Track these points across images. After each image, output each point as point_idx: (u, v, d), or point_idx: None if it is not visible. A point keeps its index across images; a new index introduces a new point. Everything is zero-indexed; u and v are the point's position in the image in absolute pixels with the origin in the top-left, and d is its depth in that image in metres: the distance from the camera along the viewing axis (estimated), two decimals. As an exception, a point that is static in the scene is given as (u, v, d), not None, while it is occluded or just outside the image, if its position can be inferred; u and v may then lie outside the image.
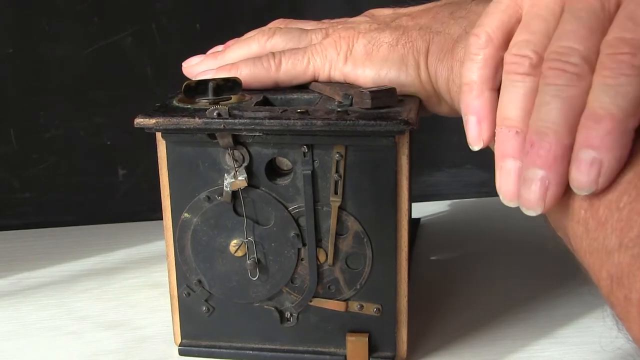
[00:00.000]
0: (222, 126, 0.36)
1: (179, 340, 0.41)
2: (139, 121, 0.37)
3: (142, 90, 0.59)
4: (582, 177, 0.25)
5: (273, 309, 0.40)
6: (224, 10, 0.60)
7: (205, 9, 0.59)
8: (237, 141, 0.37)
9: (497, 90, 0.30)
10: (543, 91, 0.26)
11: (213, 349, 0.41)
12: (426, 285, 0.49)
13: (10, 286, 0.51)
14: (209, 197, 0.39)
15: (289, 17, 0.47)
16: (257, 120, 0.36)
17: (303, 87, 0.43)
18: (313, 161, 0.37)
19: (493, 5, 0.30)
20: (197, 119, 0.37)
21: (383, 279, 0.38)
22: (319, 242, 0.38)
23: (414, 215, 0.56)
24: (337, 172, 0.37)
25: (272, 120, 0.36)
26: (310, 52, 0.42)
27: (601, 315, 0.43)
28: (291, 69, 0.42)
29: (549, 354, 0.41)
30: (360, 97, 0.37)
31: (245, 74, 0.42)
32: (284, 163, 0.39)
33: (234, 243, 0.39)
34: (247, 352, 0.40)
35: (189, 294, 0.40)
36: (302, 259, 0.39)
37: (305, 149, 0.37)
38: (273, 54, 0.42)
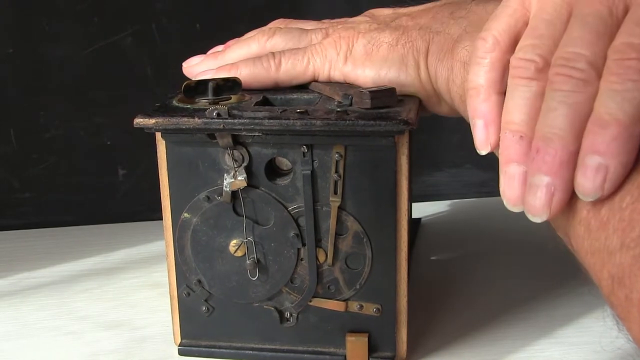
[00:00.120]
0: (221, 126, 0.36)
1: (178, 340, 0.41)
2: (139, 121, 0.37)
3: (142, 90, 0.59)
4: (588, 183, 0.25)
5: (273, 309, 0.40)
6: (224, 10, 0.60)
7: (205, 9, 0.59)
8: (237, 141, 0.37)
9: (504, 94, 0.30)
10: (549, 97, 0.26)
11: (213, 349, 0.41)
12: (426, 285, 0.49)
13: (10, 286, 0.51)
14: (208, 197, 0.39)
15: (289, 17, 0.47)
16: (257, 120, 0.36)
17: (303, 87, 0.43)
18: (312, 161, 0.37)
19: (500, 9, 0.30)
20: (196, 119, 0.36)
21: (383, 279, 0.38)
22: (318, 242, 0.38)
23: (414, 215, 0.56)
24: (336, 172, 0.37)
25: (271, 120, 0.36)
26: (310, 52, 0.42)
27: (601, 315, 0.43)
28: (291, 69, 0.42)
29: (549, 354, 0.41)
30: (360, 97, 0.37)
31: (245, 74, 0.42)
32: (284, 163, 0.39)
33: (233, 243, 0.39)
34: (247, 352, 0.40)
35: (188, 294, 0.40)
36: (301, 259, 0.39)
37: (304, 149, 0.37)
38: (273, 54, 0.42)
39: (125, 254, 0.55)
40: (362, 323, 0.39)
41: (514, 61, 0.29)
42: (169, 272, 0.40)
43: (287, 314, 0.40)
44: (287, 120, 0.36)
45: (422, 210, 0.61)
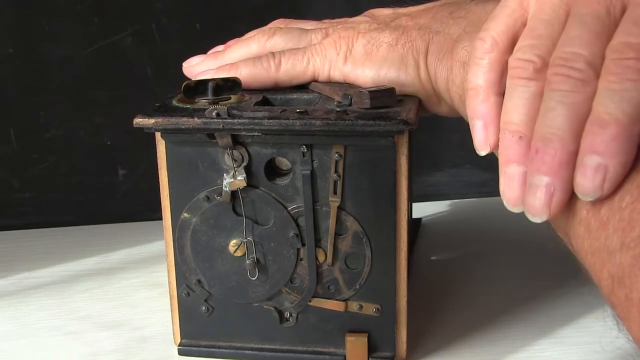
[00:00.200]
0: (221, 126, 0.36)
1: (178, 340, 0.41)
2: (138, 121, 0.37)
3: (142, 90, 0.59)
4: (587, 182, 0.25)
5: (272, 309, 0.40)
6: (224, 10, 0.60)
7: (205, 9, 0.59)
8: (236, 141, 0.37)
9: (503, 94, 0.30)
10: (548, 97, 0.26)
11: (212, 349, 0.41)
12: (426, 285, 0.49)
13: (10, 286, 0.51)
14: (208, 197, 0.38)
15: (289, 17, 0.47)
16: (256, 120, 0.36)
17: (303, 87, 0.43)
18: (312, 161, 0.37)
19: (499, 9, 0.30)
20: (196, 119, 0.36)
21: (382, 279, 0.38)
22: (318, 242, 0.38)
23: (414, 215, 0.56)
24: (336, 172, 0.37)
25: (271, 120, 0.36)
26: (310, 52, 0.42)
27: (601, 315, 0.43)
28: (291, 69, 0.42)
29: (549, 354, 0.41)
30: (360, 97, 0.37)
31: (244, 74, 0.42)
32: (283, 163, 0.39)
33: (233, 243, 0.39)
34: (247, 352, 0.40)
35: (188, 293, 0.40)
36: (301, 259, 0.39)
37: (304, 148, 0.37)
38: (273, 54, 0.42)
39: (125, 254, 0.55)
40: (361, 323, 0.39)
41: (512, 62, 0.29)
42: (168, 272, 0.40)
43: (287, 314, 0.40)
44: (287, 120, 0.36)
45: (422, 210, 0.61)
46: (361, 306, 0.39)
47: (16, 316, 0.47)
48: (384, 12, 0.45)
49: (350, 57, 0.41)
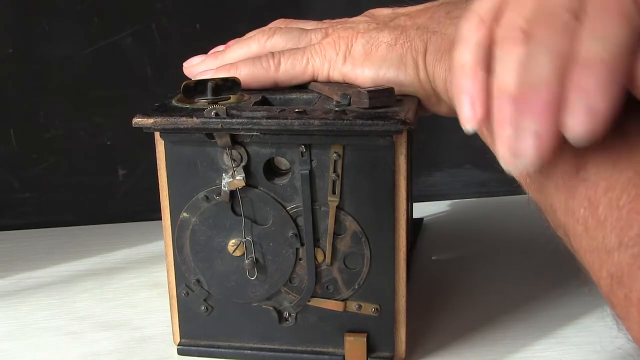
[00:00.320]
0: (219, 126, 0.36)
1: (177, 340, 0.41)
2: (138, 121, 0.37)
3: (142, 90, 0.59)
4: (578, 124, 0.25)
5: (271, 308, 0.40)
6: (224, 10, 0.60)
7: (205, 9, 0.59)
8: (235, 141, 0.37)
9: (489, 71, 0.30)
10: (533, 50, 0.27)
11: (212, 349, 0.41)
12: (426, 285, 0.49)
13: (10, 286, 0.51)
14: (207, 197, 0.38)
15: (289, 17, 0.47)
16: (255, 120, 0.36)
17: (302, 87, 0.43)
18: (311, 161, 0.37)
19: None
20: (195, 119, 0.36)
21: (381, 279, 0.38)
22: (317, 242, 0.38)
23: (415, 216, 0.56)
24: (334, 171, 0.37)
25: (269, 120, 0.36)
26: (309, 52, 0.42)
27: (601, 315, 0.43)
28: (290, 69, 0.42)
29: (549, 354, 0.41)
30: (358, 96, 0.37)
31: (244, 73, 0.42)
32: (282, 163, 0.39)
33: (232, 243, 0.39)
34: (246, 351, 0.40)
35: (187, 293, 0.40)
36: (300, 259, 0.39)
37: (303, 148, 0.37)
38: (272, 54, 0.42)
39: (125, 254, 0.55)
40: (360, 323, 0.39)
41: (500, 32, 0.29)
42: (168, 271, 0.40)
43: (286, 314, 0.40)
44: (285, 120, 0.36)
45: (422, 210, 0.61)
46: (360, 306, 0.39)
47: (16, 316, 0.47)
48: (383, 12, 0.45)
49: (349, 57, 0.41)
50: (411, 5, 0.44)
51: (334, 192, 0.37)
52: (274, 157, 0.38)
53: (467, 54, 0.30)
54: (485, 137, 0.34)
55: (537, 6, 0.28)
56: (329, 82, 0.42)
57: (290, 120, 0.36)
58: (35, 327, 0.45)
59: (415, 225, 0.57)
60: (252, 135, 0.37)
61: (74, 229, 0.60)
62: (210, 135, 0.37)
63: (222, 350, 0.41)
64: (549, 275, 0.49)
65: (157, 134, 0.38)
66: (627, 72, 0.25)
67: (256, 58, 0.42)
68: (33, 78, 0.59)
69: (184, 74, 0.44)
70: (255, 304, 0.40)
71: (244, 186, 0.38)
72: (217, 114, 0.36)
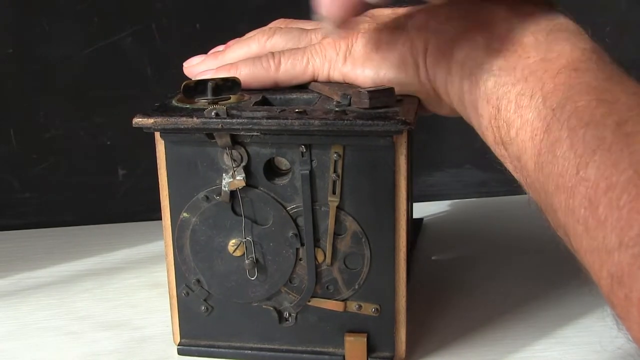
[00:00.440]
0: (220, 126, 0.36)
1: (178, 340, 0.41)
2: (138, 120, 0.37)
3: (142, 90, 0.59)
4: None
5: (271, 308, 0.40)
6: (224, 10, 0.60)
7: (205, 9, 0.59)
8: (236, 141, 0.37)
9: None
10: None
11: (212, 349, 0.41)
12: (426, 285, 0.49)
13: (10, 286, 0.51)
14: (207, 197, 0.38)
15: (289, 17, 0.47)
16: (255, 120, 0.36)
17: (302, 87, 0.43)
18: (311, 161, 0.37)
19: None
20: (195, 119, 0.37)
21: (381, 279, 0.38)
22: (317, 242, 0.38)
23: (415, 216, 0.56)
24: (335, 172, 0.37)
25: (270, 120, 0.36)
26: (309, 52, 0.42)
27: (601, 315, 0.43)
28: (290, 69, 0.42)
29: (549, 354, 0.41)
30: (359, 97, 0.37)
31: (244, 73, 0.42)
32: (282, 163, 0.39)
33: (232, 243, 0.39)
34: (246, 351, 0.40)
35: (187, 293, 0.40)
36: (300, 259, 0.39)
37: (303, 148, 0.37)
38: (272, 53, 0.42)
39: (125, 254, 0.55)
40: (360, 323, 0.39)
41: None
42: (168, 271, 0.40)
43: (286, 314, 0.40)
44: (286, 120, 0.36)
45: (423, 210, 0.61)
46: (360, 306, 0.39)
47: (16, 316, 0.47)
48: (384, 12, 0.45)
49: (349, 57, 0.41)
50: (411, 5, 0.44)
51: (334, 192, 0.37)
52: (274, 157, 0.38)
53: None
54: None
55: None
56: (329, 82, 0.42)
57: (290, 121, 0.36)
58: (35, 327, 0.45)
59: (415, 225, 0.57)
60: (253, 135, 0.37)
61: (74, 229, 0.60)
62: (210, 136, 0.37)
63: (222, 350, 0.41)
64: (549, 275, 0.49)
65: (157, 134, 0.38)
66: None
67: (256, 58, 0.42)
68: (33, 78, 0.59)
69: (184, 74, 0.44)
70: (256, 304, 0.40)
71: (244, 186, 0.38)
72: (217, 114, 0.36)
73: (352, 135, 0.36)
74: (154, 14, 0.59)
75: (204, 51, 0.46)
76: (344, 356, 0.40)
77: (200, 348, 0.41)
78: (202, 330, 0.41)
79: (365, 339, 0.39)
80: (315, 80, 0.42)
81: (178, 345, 0.41)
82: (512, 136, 0.33)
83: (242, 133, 0.37)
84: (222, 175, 0.38)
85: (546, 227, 0.31)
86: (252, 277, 0.39)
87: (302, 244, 0.38)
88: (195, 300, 0.40)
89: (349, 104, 0.37)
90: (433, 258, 0.54)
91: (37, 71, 0.59)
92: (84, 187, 0.61)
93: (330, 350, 0.40)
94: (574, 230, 0.27)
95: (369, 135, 0.36)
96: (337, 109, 0.37)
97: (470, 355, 0.41)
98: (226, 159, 0.38)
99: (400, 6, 0.44)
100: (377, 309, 0.39)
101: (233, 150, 0.37)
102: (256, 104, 0.39)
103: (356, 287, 0.39)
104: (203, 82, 0.39)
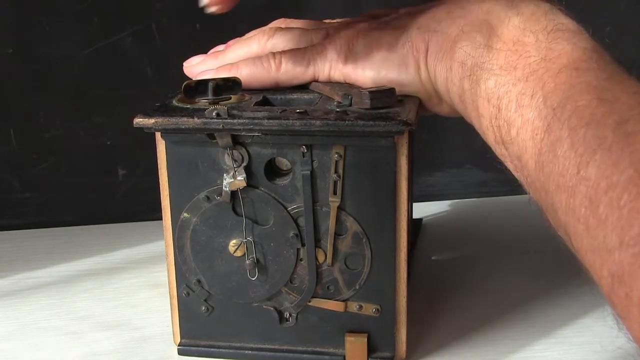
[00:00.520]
0: (220, 126, 0.36)
1: (178, 340, 0.41)
2: (138, 121, 0.37)
3: (142, 90, 0.59)
4: None
5: (272, 309, 0.40)
6: (224, 10, 0.59)
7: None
8: (236, 141, 0.37)
9: None
10: None
11: (212, 349, 0.41)
12: (426, 285, 0.49)
13: (10, 286, 0.51)
14: (208, 197, 0.38)
15: (289, 17, 0.47)
16: (256, 120, 0.36)
17: (303, 87, 0.43)
18: (312, 161, 0.37)
19: None
20: (196, 119, 0.37)
21: (382, 279, 0.38)
22: (318, 242, 0.38)
23: (415, 216, 0.56)
24: (336, 172, 0.37)
25: (270, 120, 0.36)
26: (310, 53, 0.42)
27: (601, 315, 0.43)
28: (291, 69, 0.42)
29: (549, 354, 0.41)
30: (360, 97, 0.37)
31: (245, 73, 0.42)
32: (283, 163, 0.39)
33: (233, 243, 0.39)
34: (246, 352, 0.40)
35: (188, 293, 0.40)
36: (301, 259, 0.39)
37: (304, 149, 0.37)
38: (273, 54, 0.42)
39: (125, 254, 0.55)
40: (361, 323, 0.39)
41: None
42: (168, 272, 0.40)
43: (287, 314, 0.40)
44: (287, 121, 0.36)
45: (423, 210, 0.61)
46: (361, 306, 0.39)
47: (16, 316, 0.47)
48: (384, 12, 0.45)
49: (350, 57, 0.41)
50: (412, 5, 0.44)
51: (335, 193, 0.37)
52: (275, 158, 0.38)
53: None
54: None
55: None
56: (330, 83, 0.42)
57: (291, 121, 0.36)
58: (35, 327, 0.45)
59: (415, 226, 0.57)
60: (253, 135, 0.37)
61: (74, 229, 0.60)
62: (211, 136, 0.37)
63: (223, 350, 0.41)
64: (549, 275, 0.49)
65: (158, 134, 0.38)
66: None
67: (257, 58, 0.42)
68: (33, 78, 0.59)
69: (184, 74, 0.44)
70: (256, 304, 0.40)
71: (245, 186, 0.38)
72: (218, 114, 0.36)
73: (353, 136, 0.36)
74: (154, 14, 0.59)
75: (204, 51, 0.46)
76: (344, 356, 0.40)
77: (200, 348, 0.41)
78: (202, 330, 0.41)
79: (366, 339, 0.39)
80: (316, 81, 0.42)
81: (178, 345, 0.41)
82: (512, 135, 0.33)
83: (243, 133, 0.37)
84: (222, 176, 0.38)
85: (546, 227, 0.31)
86: (253, 277, 0.39)
87: (303, 244, 0.38)
88: (196, 300, 0.40)
89: (350, 105, 0.37)
90: (433, 258, 0.54)
91: (37, 71, 0.59)
92: (84, 187, 0.61)
93: (331, 350, 0.40)
94: (575, 230, 0.27)
95: (370, 136, 0.36)
96: (338, 109, 0.37)
97: (470, 355, 0.41)
98: (227, 159, 0.38)
99: (400, 6, 0.44)
100: (377, 309, 0.39)
101: (234, 151, 0.37)
102: (257, 104, 0.39)
103: (357, 287, 0.39)
104: (204, 82, 0.39)
